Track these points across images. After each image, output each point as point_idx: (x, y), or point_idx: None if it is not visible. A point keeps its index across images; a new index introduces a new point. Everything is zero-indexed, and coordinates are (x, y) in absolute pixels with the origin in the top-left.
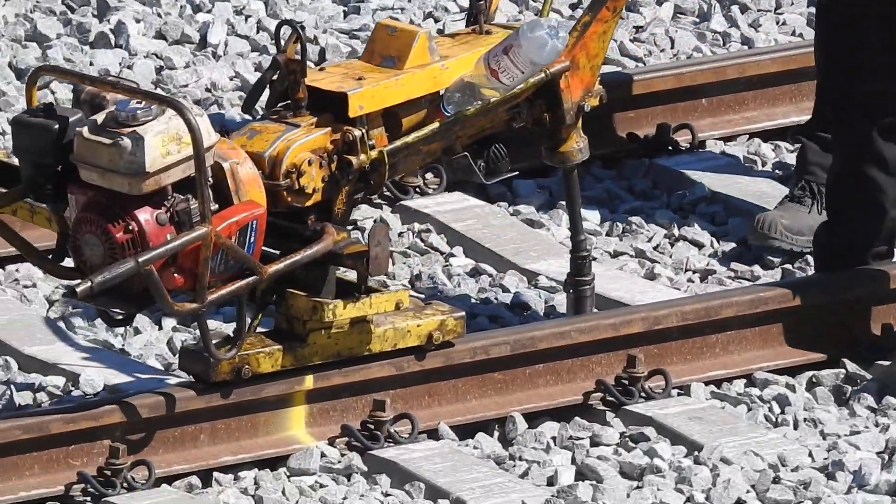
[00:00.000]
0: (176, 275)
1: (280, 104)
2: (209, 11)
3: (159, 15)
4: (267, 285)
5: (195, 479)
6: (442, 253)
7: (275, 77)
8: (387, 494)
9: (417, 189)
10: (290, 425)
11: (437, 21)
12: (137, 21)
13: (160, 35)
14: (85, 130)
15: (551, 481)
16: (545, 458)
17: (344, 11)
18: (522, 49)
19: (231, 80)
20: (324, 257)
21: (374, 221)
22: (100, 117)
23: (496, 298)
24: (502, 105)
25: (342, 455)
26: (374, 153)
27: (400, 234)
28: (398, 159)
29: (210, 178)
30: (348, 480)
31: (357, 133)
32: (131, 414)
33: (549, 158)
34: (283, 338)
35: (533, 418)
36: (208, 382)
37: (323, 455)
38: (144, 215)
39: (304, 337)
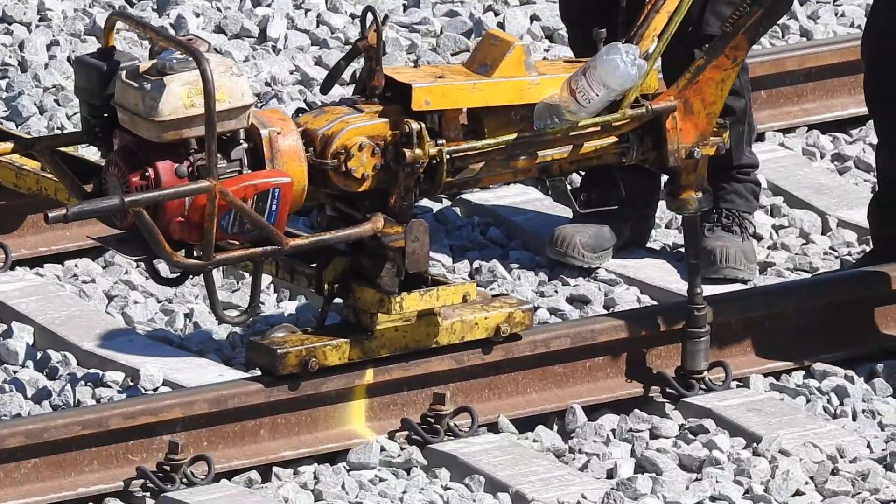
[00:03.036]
0: (183, 228)
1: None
2: (269, 5)
3: (219, 9)
4: (333, 277)
5: (255, 475)
6: (502, 246)
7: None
8: (446, 488)
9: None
10: (349, 419)
11: (496, 14)
12: (197, 15)
13: (220, 29)
14: (123, 75)
15: (611, 474)
16: (605, 451)
17: (404, 5)
18: (597, 70)
19: (291, 73)
20: (370, 248)
21: (426, 215)
22: (145, 65)
23: (556, 291)
24: (595, 133)
25: (402, 449)
26: (433, 150)
27: (460, 227)
28: (470, 165)
29: (242, 141)
30: (408, 474)
31: (415, 126)
32: (190, 409)
33: (668, 204)
34: (351, 330)
35: (592, 411)
36: (275, 375)
37: (383, 449)
38: (163, 164)
39: (371, 329)
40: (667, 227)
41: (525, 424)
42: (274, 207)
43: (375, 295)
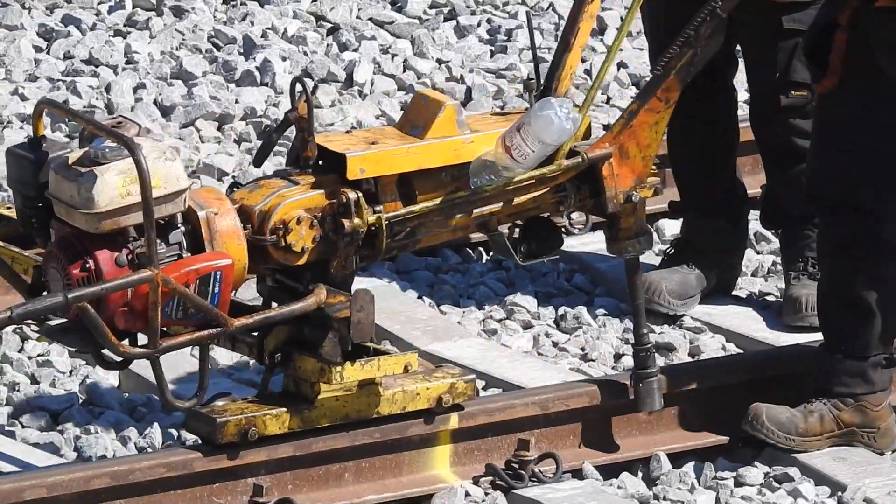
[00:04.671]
0: (127, 318)
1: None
2: (355, 50)
3: (305, 53)
4: (275, 346)
5: None
6: (587, 293)
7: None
8: None
9: (563, 229)
10: (434, 464)
11: (583, 61)
12: (283, 59)
13: (306, 73)
14: (56, 165)
15: None
16: (689, 499)
17: (491, 51)
18: (531, 127)
19: (377, 118)
20: (313, 317)
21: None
22: (75, 155)
23: None
24: (531, 185)
25: (486, 494)
26: (371, 218)
27: (545, 274)
28: (409, 228)
29: (180, 225)
30: None
31: (353, 196)
32: (275, 452)
33: (609, 247)
34: (291, 399)
35: (677, 458)
36: (214, 444)
37: (467, 494)
38: (103, 255)
39: (311, 399)
40: (753, 274)
41: (609, 471)
42: (217, 290)
43: (316, 364)
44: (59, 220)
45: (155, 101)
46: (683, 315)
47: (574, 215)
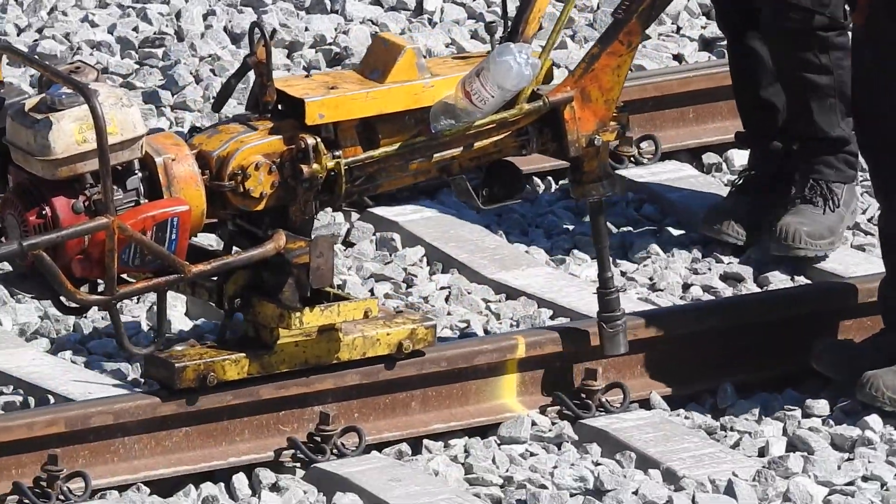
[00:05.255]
0: (84, 265)
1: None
2: None
3: None
4: (234, 291)
5: (405, 447)
6: (656, 222)
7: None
8: (597, 464)
9: (632, 158)
10: (501, 394)
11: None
12: None
13: (376, 1)
14: (12, 112)
15: (762, 452)
16: (756, 429)
17: None
18: (490, 73)
19: (447, 47)
20: (272, 263)
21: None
22: (32, 101)
23: (709, 269)
24: (493, 129)
25: (553, 424)
26: (330, 163)
27: (613, 204)
28: (368, 172)
29: (137, 171)
30: (559, 449)
31: (311, 141)
32: (342, 380)
33: (573, 191)
34: (250, 345)
35: (744, 389)
36: (172, 390)
37: (534, 423)
38: (59, 202)
39: (270, 344)
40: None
41: (677, 402)
42: (174, 236)
43: (276, 310)
44: (16, 167)
45: (225, 28)
46: (751, 245)
47: (643, 144)
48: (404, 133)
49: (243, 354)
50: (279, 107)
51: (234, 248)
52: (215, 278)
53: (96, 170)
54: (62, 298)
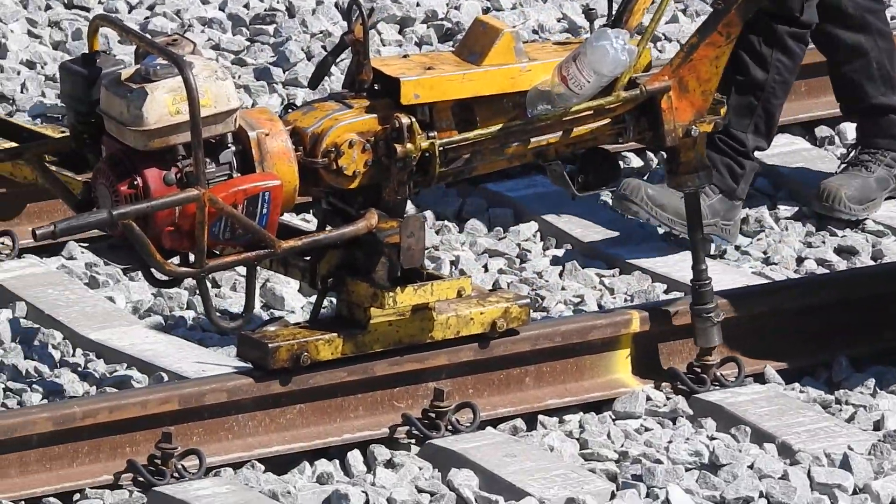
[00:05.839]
0: (174, 237)
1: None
2: None
3: None
4: (327, 271)
5: (520, 422)
6: (769, 196)
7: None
8: (712, 438)
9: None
10: (615, 368)
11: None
12: None
13: None
14: (107, 82)
15: (878, 426)
16: (871, 403)
17: None
18: (587, 58)
19: (559, 21)
20: (364, 242)
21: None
22: (127, 72)
23: (823, 242)
24: (589, 116)
25: (667, 399)
26: (424, 143)
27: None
28: (463, 155)
29: (230, 145)
30: (673, 424)
31: (406, 121)
32: (456, 356)
33: (668, 180)
34: (344, 324)
35: (859, 362)
36: (266, 370)
37: (648, 398)
38: (151, 172)
39: (364, 324)
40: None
41: (791, 375)
42: (265, 211)
43: (369, 289)
44: (109, 137)
45: (336, 5)
46: (866, 219)
47: None
48: (500, 117)
49: (336, 334)
50: (375, 86)
51: (327, 227)
52: (308, 258)
53: (188, 142)
54: (154, 276)
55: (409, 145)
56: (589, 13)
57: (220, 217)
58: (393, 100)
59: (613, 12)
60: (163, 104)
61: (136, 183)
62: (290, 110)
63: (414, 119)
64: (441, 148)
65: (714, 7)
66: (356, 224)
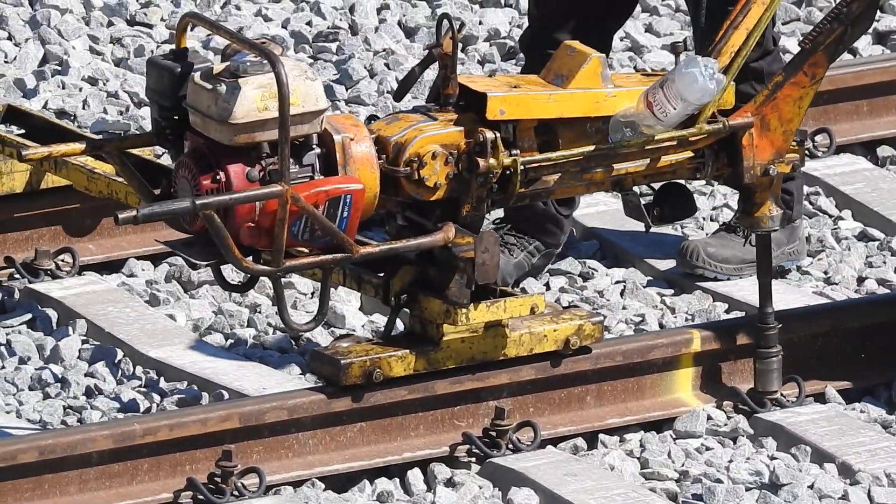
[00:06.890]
0: (253, 234)
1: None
2: None
3: None
4: (400, 287)
5: (580, 441)
6: (831, 216)
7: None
8: (773, 458)
9: (807, 151)
10: (676, 388)
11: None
12: None
13: None
14: (196, 76)
15: None
16: None
17: None
18: (675, 84)
19: (621, 40)
20: (438, 258)
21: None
22: (217, 68)
23: (884, 262)
24: (670, 147)
25: (728, 418)
26: (507, 160)
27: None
28: (543, 176)
29: (314, 146)
30: (734, 443)
31: (490, 136)
32: (517, 375)
33: (740, 220)
34: (416, 341)
35: None
36: (337, 386)
37: (709, 418)
38: (235, 168)
39: (437, 340)
40: None
41: (852, 395)
42: (346, 214)
43: (442, 306)
44: (193, 132)
45: (399, 23)
46: None
47: (818, 138)
48: (582, 141)
49: (409, 351)
50: (460, 102)
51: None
52: (381, 275)
53: (274, 140)
54: (226, 279)
55: (491, 160)
56: (675, 47)
57: (300, 217)
58: (477, 115)
59: (691, 46)
60: (251, 100)
61: (218, 177)
62: (373, 120)
63: (498, 135)
64: (522, 167)
65: (801, 46)
66: (434, 235)
